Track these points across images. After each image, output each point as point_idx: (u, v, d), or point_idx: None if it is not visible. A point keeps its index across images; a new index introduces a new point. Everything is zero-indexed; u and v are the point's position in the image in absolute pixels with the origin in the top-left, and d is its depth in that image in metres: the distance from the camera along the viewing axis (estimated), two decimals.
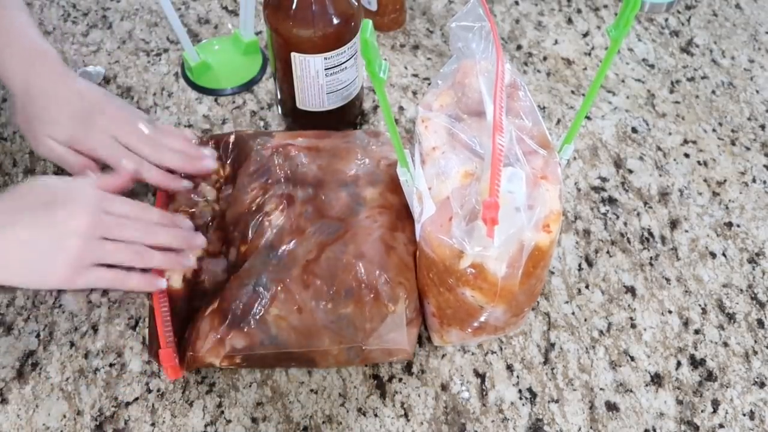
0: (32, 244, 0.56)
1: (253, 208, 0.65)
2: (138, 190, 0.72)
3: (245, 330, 0.59)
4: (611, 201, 0.76)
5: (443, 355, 0.64)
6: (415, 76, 0.87)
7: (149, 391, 0.62)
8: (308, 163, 0.68)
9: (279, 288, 0.59)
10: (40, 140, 0.67)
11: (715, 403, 0.62)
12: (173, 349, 0.59)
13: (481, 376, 0.63)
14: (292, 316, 0.59)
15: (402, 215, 0.65)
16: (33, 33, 0.69)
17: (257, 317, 0.59)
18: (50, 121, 0.66)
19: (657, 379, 0.64)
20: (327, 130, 0.77)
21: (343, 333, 0.59)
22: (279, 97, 0.80)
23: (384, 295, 0.59)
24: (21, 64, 0.67)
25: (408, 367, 0.64)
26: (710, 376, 0.64)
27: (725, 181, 0.78)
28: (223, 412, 0.61)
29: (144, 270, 0.61)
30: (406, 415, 0.61)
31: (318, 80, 0.73)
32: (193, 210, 0.67)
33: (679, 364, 0.65)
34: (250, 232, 0.64)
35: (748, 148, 0.81)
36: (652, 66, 0.89)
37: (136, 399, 0.62)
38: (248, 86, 0.85)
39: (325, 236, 0.62)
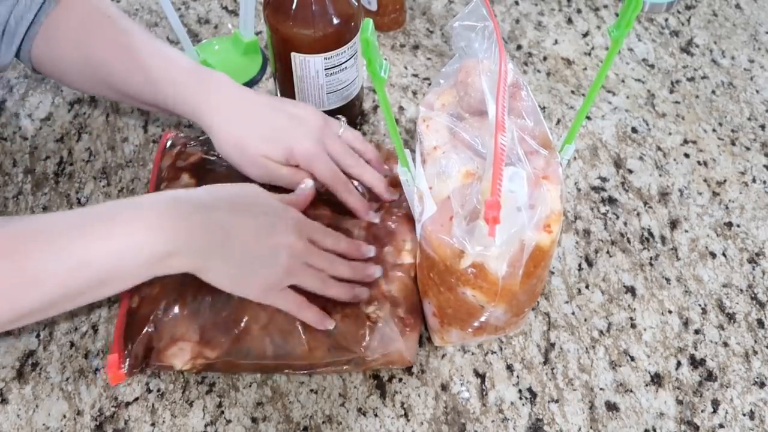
0: (252, 252, 0.56)
1: None
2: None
3: (221, 341, 0.60)
4: (611, 201, 0.76)
5: (443, 355, 0.64)
6: (415, 76, 0.87)
7: (149, 391, 0.62)
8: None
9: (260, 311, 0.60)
10: (256, 162, 0.65)
11: (715, 403, 0.63)
12: (120, 354, 0.59)
13: (481, 376, 0.63)
14: (274, 335, 0.60)
15: (379, 234, 0.66)
16: (185, 58, 0.68)
17: (235, 331, 0.60)
18: (261, 138, 0.65)
19: (657, 379, 0.64)
20: None
21: (340, 345, 0.60)
22: (279, 97, 0.79)
23: (373, 308, 0.61)
24: (206, 92, 0.66)
25: (408, 367, 0.64)
26: (710, 376, 0.64)
27: (725, 181, 0.78)
28: (223, 412, 0.61)
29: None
30: (406, 415, 0.61)
31: (318, 80, 0.73)
32: None
33: (679, 364, 0.65)
34: None
35: (748, 148, 0.81)
36: (652, 66, 0.89)
37: (136, 399, 0.61)
38: (248, 86, 0.85)
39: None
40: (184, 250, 0.53)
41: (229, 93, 0.67)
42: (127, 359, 0.59)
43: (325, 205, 0.67)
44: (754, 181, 0.78)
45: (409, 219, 0.66)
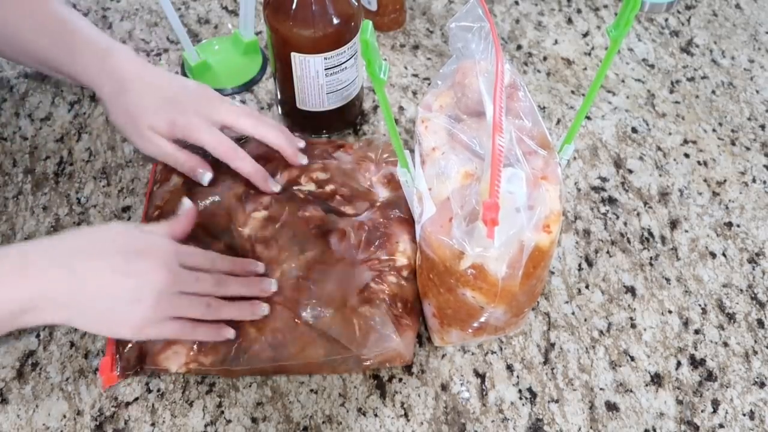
0: (110, 295, 0.55)
1: (231, 218, 0.67)
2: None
3: (216, 347, 0.60)
4: (611, 201, 0.76)
5: (443, 355, 0.64)
6: (415, 76, 0.87)
7: (149, 391, 0.62)
8: (282, 176, 0.70)
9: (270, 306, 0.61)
10: (145, 136, 0.67)
11: (715, 403, 0.63)
12: (112, 358, 0.60)
13: (481, 376, 0.63)
14: (268, 336, 0.60)
15: (379, 231, 0.66)
16: (98, 33, 0.70)
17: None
18: (148, 108, 0.66)
19: (657, 379, 0.64)
20: (327, 130, 0.78)
21: (336, 345, 0.60)
22: (279, 97, 0.80)
23: (361, 304, 0.61)
24: (101, 62, 0.68)
25: (408, 367, 0.64)
26: (710, 376, 0.64)
27: (725, 181, 0.78)
28: (223, 412, 0.61)
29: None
30: (406, 415, 0.61)
31: (318, 80, 0.73)
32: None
33: (679, 364, 0.65)
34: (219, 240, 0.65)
35: (748, 148, 0.81)
36: (652, 66, 0.89)
37: (136, 399, 0.62)
38: (248, 86, 0.85)
39: (300, 252, 0.64)
40: (41, 306, 0.53)
41: (126, 65, 0.68)
42: (119, 363, 0.60)
43: (315, 206, 0.67)
44: (754, 181, 0.78)
45: (402, 221, 0.66)
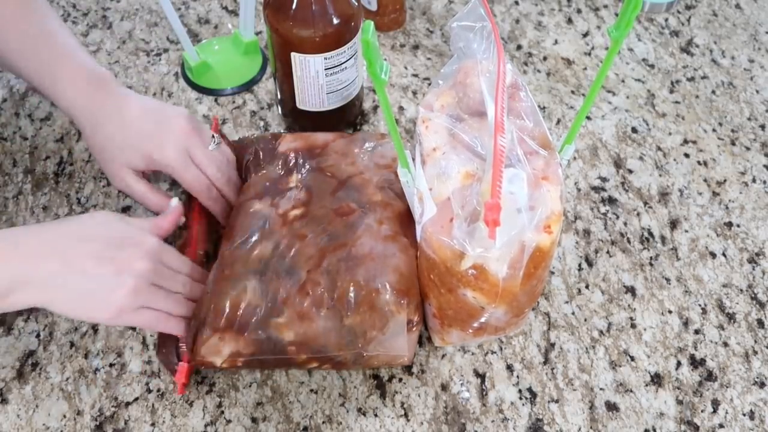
0: (93, 277, 0.56)
1: (252, 213, 0.65)
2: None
3: (248, 337, 0.59)
4: (611, 201, 0.76)
5: (443, 355, 0.64)
6: (415, 76, 0.87)
7: (149, 391, 0.62)
8: (311, 168, 0.68)
9: (283, 296, 0.59)
10: (117, 172, 0.68)
11: (715, 403, 0.63)
12: (191, 366, 0.60)
13: (481, 376, 0.63)
14: (295, 323, 0.59)
15: (404, 220, 0.64)
16: (85, 56, 0.69)
17: (261, 324, 0.59)
18: (123, 145, 0.67)
19: (657, 379, 0.64)
20: (327, 129, 0.77)
21: (344, 340, 0.59)
22: (279, 97, 0.79)
23: (385, 302, 0.59)
24: (81, 91, 0.67)
25: (408, 367, 0.64)
26: (710, 376, 0.64)
27: (725, 181, 0.78)
28: (223, 412, 0.61)
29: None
30: (406, 415, 0.61)
31: (318, 80, 0.73)
32: None
33: (679, 364, 0.65)
34: (242, 234, 0.64)
35: (748, 148, 0.81)
36: (652, 66, 0.89)
37: (136, 399, 0.62)
38: (248, 86, 0.85)
39: (326, 242, 0.62)
40: (24, 287, 0.54)
41: (105, 97, 0.67)
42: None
43: (307, 209, 0.66)
44: (754, 181, 0.78)
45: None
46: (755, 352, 0.66)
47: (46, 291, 0.55)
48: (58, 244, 0.56)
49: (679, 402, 0.62)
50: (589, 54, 0.90)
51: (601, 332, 0.66)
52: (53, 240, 0.57)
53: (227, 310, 0.59)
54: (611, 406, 0.62)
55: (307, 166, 0.68)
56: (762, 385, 0.64)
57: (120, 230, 0.59)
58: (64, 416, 0.61)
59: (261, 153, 0.71)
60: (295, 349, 0.59)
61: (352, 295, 0.59)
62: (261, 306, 0.59)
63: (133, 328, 0.65)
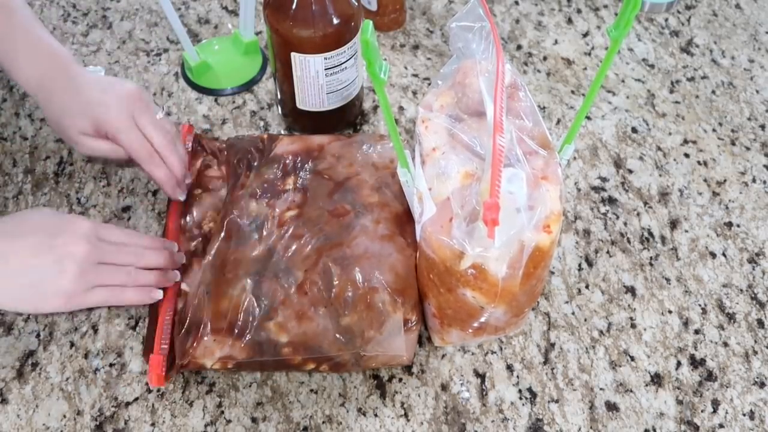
0: (33, 269, 0.57)
1: (251, 213, 0.66)
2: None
3: (246, 339, 0.59)
4: (611, 201, 0.76)
5: (443, 355, 0.64)
6: (415, 76, 0.87)
7: (149, 391, 0.62)
8: (307, 170, 0.69)
9: (281, 297, 0.59)
10: (75, 139, 0.68)
11: (715, 403, 0.63)
12: (164, 357, 0.59)
13: (481, 376, 0.63)
14: (292, 324, 0.59)
15: (401, 221, 0.65)
16: (46, 36, 0.71)
17: (258, 326, 0.59)
18: (73, 112, 0.67)
19: (657, 379, 0.64)
20: (327, 130, 0.77)
21: (342, 339, 0.59)
22: (279, 97, 0.80)
23: (381, 301, 0.59)
24: (38, 68, 0.69)
25: (408, 367, 0.64)
26: (710, 376, 0.64)
27: (725, 181, 0.78)
28: (223, 412, 0.61)
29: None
30: (406, 415, 0.61)
31: (318, 80, 0.73)
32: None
33: (679, 364, 0.65)
34: (240, 235, 0.64)
35: (748, 148, 0.81)
36: (652, 66, 0.89)
37: (136, 399, 0.62)
38: (248, 86, 0.85)
39: (322, 242, 0.62)
40: None
41: (60, 71, 0.69)
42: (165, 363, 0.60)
43: (303, 209, 0.66)
44: (754, 181, 0.78)
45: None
46: (755, 352, 0.66)
47: None
48: None
49: (679, 402, 0.62)
50: (589, 54, 0.90)
51: (601, 332, 0.66)
52: None
53: (228, 312, 0.59)
54: (611, 406, 0.62)
55: (304, 169, 0.69)
56: (762, 385, 0.64)
57: (53, 221, 0.60)
58: (64, 416, 0.61)
59: (257, 153, 0.71)
60: (291, 351, 0.58)
61: (349, 294, 0.59)
62: (259, 307, 0.59)
63: (133, 327, 0.65)
